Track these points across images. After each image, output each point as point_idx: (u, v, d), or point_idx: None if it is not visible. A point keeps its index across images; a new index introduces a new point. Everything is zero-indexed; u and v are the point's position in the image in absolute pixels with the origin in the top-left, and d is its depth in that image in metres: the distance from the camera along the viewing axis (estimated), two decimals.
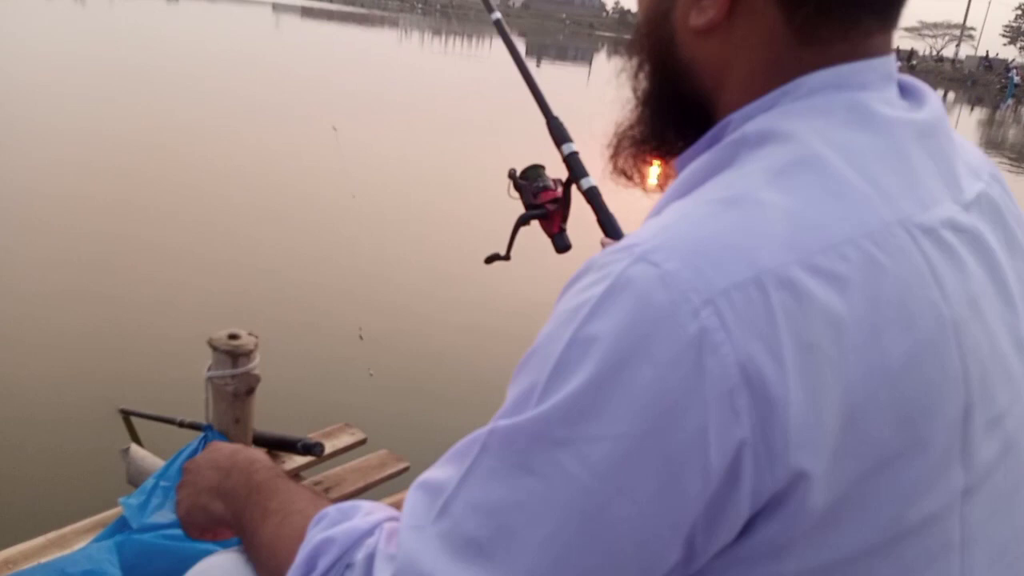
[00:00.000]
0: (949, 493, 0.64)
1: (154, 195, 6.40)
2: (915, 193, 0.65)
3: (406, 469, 2.39)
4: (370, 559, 0.72)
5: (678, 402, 0.58)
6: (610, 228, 1.43)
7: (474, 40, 44.08)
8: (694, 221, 0.65)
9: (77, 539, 1.81)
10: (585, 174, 1.46)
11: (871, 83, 0.70)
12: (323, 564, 0.75)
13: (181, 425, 2.78)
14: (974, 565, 0.67)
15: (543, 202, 1.48)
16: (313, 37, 30.75)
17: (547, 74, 26.19)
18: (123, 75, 12.85)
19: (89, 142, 8.24)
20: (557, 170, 1.55)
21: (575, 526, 0.62)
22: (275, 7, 53.21)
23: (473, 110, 14.64)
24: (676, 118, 0.83)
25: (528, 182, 1.49)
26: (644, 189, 0.93)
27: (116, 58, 15.21)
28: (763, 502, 0.60)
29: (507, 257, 1.59)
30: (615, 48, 57.55)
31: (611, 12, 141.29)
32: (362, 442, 2.52)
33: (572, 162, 1.49)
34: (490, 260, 1.62)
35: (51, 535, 1.81)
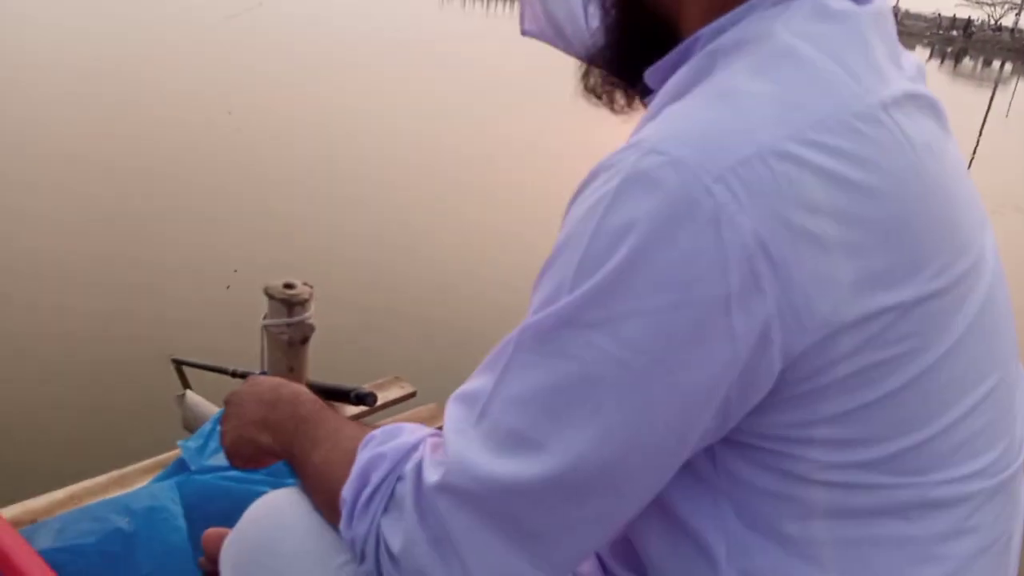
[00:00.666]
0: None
1: (214, 144, 6.44)
2: (878, 72, 0.72)
3: None
4: (418, 468, 0.76)
5: (702, 273, 0.63)
6: None
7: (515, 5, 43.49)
8: (692, 115, 0.70)
9: (138, 478, 1.84)
10: None
11: None
12: (375, 478, 0.78)
13: (234, 375, 2.80)
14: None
15: None
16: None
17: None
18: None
19: (146, 92, 8.34)
20: None
21: (614, 400, 0.66)
22: None
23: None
24: (641, 41, 0.89)
25: None
26: (612, 110, 1.00)
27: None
28: (793, 358, 0.65)
29: None
30: None
31: None
32: (412, 395, 2.53)
33: None
34: None
35: (113, 473, 1.85)
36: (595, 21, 0.99)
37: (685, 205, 0.63)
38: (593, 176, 0.72)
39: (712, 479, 0.74)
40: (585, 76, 0.98)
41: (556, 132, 9.09)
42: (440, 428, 0.83)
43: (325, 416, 0.95)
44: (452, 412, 0.77)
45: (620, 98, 0.99)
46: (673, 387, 0.65)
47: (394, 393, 2.47)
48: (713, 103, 0.70)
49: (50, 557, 1.43)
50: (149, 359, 3.33)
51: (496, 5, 41.92)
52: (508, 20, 32.17)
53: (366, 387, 2.35)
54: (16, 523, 1.57)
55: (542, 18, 1.28)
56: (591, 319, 0.66)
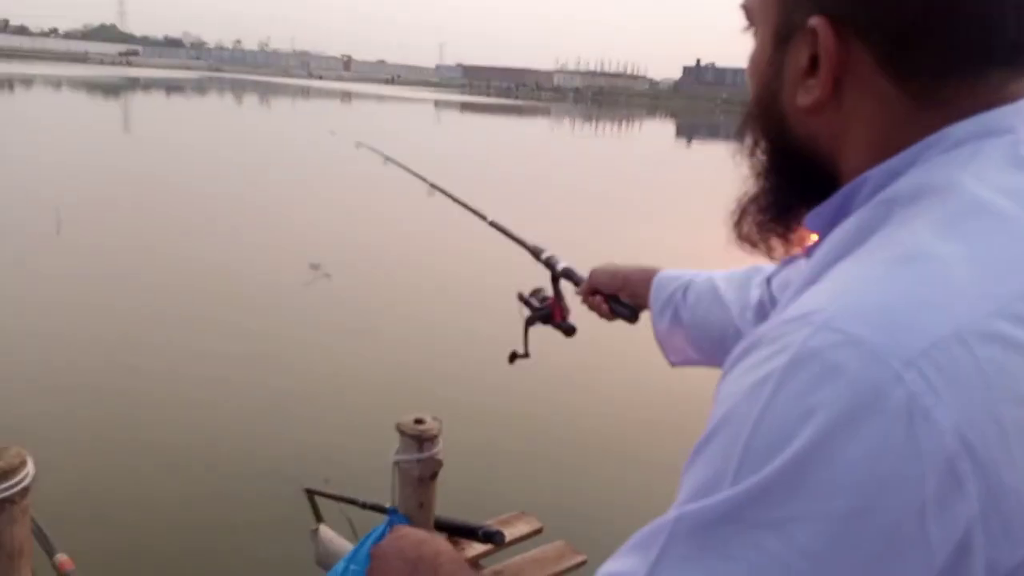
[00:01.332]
0: None
1: (352, 279, 6.75)
2: None
3: (584, 563, 2.33)
4: None
5: (892, 475, 0.54)
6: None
7: (622, 124, 44.80)
8: (871, 283, 0.61)
9: None
10: (558, 262, 1.79)
11: (1018, 126, 0.67)
12: None
13: (364, 506, 2.85)
14: None
15: (543, 306, 1.82)
16: (468, 128, 32.27)
17: (696, 154, 26.08)
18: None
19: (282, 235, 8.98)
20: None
21: None
22: (436, 104, 56.69)
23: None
24: (797, 187, 0.82)
25: (532, 297, 1.86)
26: (770, 258, 0.92)
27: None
28: None
29: (527, 355, 1.91)
30: None
31: None
32: (538, 531, 2.48)
33: (549, 262, 1.82)
34: (512, 359, 1.93)
35: None
36: None
37: (871, 395, 0.55)
38: (753, 347, 0.64)
39: None
40: (738, 224, 0.91)
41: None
42: None
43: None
44: None
45: (778, 245, 0.91)
46: None
47: (521, 529, 2.43)
48: (895, 269, 0.61)
49: None
50: (281, 491, 3.44)
51: (603, 125, 43.27)
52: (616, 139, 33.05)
53: (493, 524, 2.33)
54: None
55: (688, 349, 1.38)
56: (760, 519, 0.59)
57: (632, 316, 1.58)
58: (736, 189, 0.90)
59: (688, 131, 41.59)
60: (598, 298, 1.61)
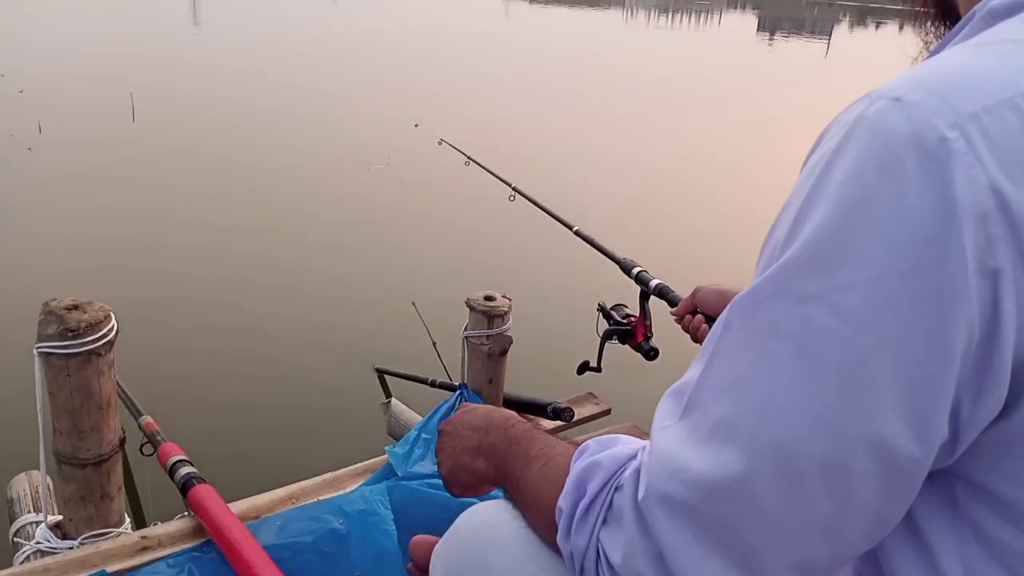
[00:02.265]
0: None
1: (422, 166, 6.70)
2: None
3: None
4: (636, 475, 0.70)
5: (934, 234, 0.54)
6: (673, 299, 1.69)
7: (701, 16, 42.76)
8: (939, 62, 0.61)
9: (349, 481, 1.92)
10: (651, 279, 1.79)
11: None
12: (592, 488, 0.74)
13: (432, 385, 2.90)
14: None
15: (625, 321, 1.81)
16: (542, 20, 31.25)
17: (780, 50, 24.81)
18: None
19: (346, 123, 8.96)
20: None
21: (834, 384, 0.57)
22: None
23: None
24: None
25: (614, 311, 1.85)
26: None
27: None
28: None
29: (598, 368, 1.90)
30: (859, 18, 53.33)
31: None
32: (606, 412, 2.48)
33: (640, 277, 1.82)
34: (581, 370, 1.94)
35: (327, 476, 1.93)
36: None
37: (913, 154, 0.54)
38: (821, 135, 0.64)
39: (957, 515, 0.63)
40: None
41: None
42: None
43: (536, 435, 0.95)
44: (661, 408, 0.71)
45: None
46: (903, 370, 0.55)
47: (588, 410, 2.43)
48: (968, 51, 0.61)
49: (273, 552, 1.52)
50: (355, 368, 3.53)
51: (681, 18, 41.37)
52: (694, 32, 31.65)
53: (562, 402, 2.34)
54: (243, 517, 1.67)
55: None
56: (805, 290, 0.58)
57: None
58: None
59: (771, 24, 39.47)
60: (699, 319, 1.51)
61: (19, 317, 2.07)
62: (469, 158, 2.68)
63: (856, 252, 0.56)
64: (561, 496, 0.77)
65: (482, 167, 2.59)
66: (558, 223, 2.24)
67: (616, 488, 0.73)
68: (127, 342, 1.92)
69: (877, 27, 46.70)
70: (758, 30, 37.51)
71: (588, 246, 2.11)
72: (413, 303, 3.06)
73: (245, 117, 8.66)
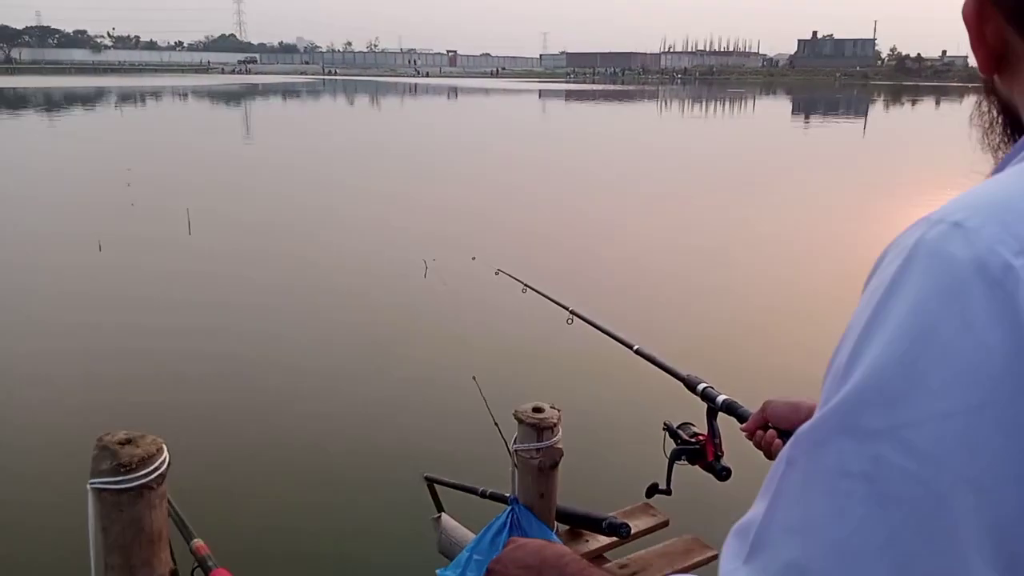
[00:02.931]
0: None
1: (474, 278, 6.76)
2: None
3: (715, 557, 2.22)
4: None
5: (1008, 366, 0.51)
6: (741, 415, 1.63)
7: (735, 104, 43.44)
8: (999, 184, 0.60)
9: None
10: (717, 395, 1.75)
11: None
12: None
13: (483, 496, 2.83)
14: None
15: (693, 440, 1.77)
16: (574, 119, 32.02)
17: (815, 133, 24.97)
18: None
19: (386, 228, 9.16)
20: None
21: (912, 528, 0.53)
22: (541, 94, 56.72)
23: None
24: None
25: (681, 430, 1.80)
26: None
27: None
28: None
29: (668, 491, 1.84)
30: (893, 97, 53.66)
31: (887, 60, 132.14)
32: (664, 524, 2.39)
33: (706, 394, 1.77)
34: (650, 493, 1.87)
35: None
36: None
37: (979, 282, 0.53)
38: (880, 258, 0.62)
39: None
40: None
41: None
42: None
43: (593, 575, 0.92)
44: (728, 548, 0.66)
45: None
46: (987, 511, 0.52)
47: (645, 522, 2.35)
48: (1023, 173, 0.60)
49: None
50: (402, 478, 3.48)
51: (714, 105, 42.03)
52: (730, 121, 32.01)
53: (616, 516, 2.26)
54: None
55: None
56: (873, 426, 0.55)
57: None
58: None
59: (805, 107, 39.90)
60: (771, 434, 1.47)
61: (71, 451, 2.10)
62: (527, 285, 2.68)
63: (925, 385, 0.53)
64: None
65: (539, 293, 2.59)
66: (618, 343, 2.17)
67: None
68: (179, 464, 1.92)
69: (913, 104, 46.93)
70: (793, 113, 37.93)
71: (651, 365, 2.06)
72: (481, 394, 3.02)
73: (292, 241, 8.85)
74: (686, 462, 1.79)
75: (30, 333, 5.61)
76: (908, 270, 0.56)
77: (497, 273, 2.95)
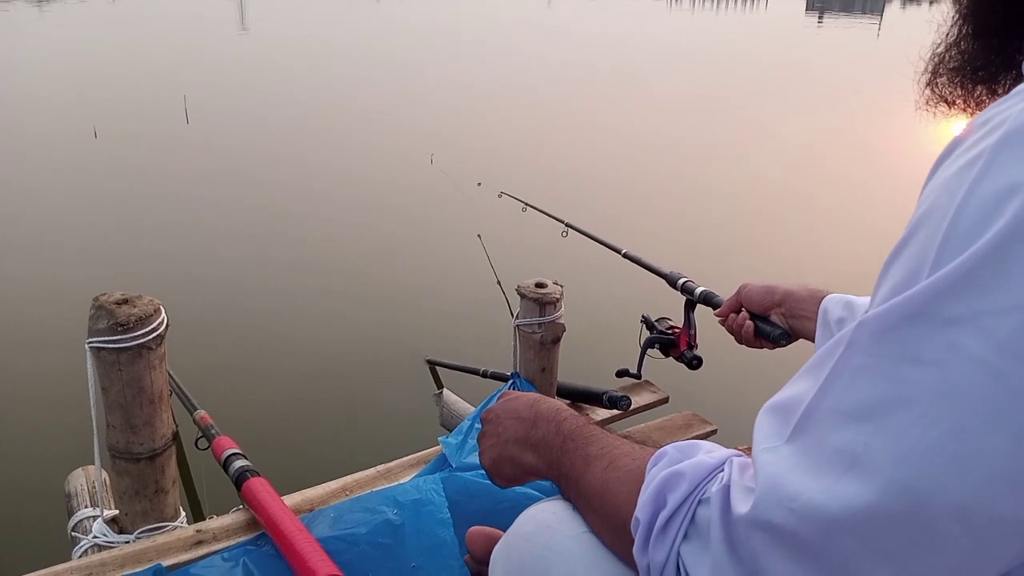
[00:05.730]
0: None
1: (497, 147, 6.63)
2: None
3: (714, 431, 2.24)
4: (725, 491, 0.65)
5: None
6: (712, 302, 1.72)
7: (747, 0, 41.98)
8: None
9: (403, 472, 1.88)
10: (696, 288, 1.82)
11: None
12: (673, 499, 0.69)
13: (484, 375, 2.86)
14: None
15: (668, 331, 1.87)
16: (576, 10, 30.98)
17: (829, 33, 24.19)
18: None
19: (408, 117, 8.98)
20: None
21: (983, 419, 0.50)
22: None
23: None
24: (1011, 22, 0.72)
25: (657, 323, 1.91)
26: (970, 113, 0.81)
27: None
28: None
29: (638, 375, 1.98)
30: None
31: None
32: (664, 400, 2.40)
33: (686, 287, 1.84)
34: (620, 374, 2.03)
35: (380, 467, 1.91)
36: None
37: None
38: (966, 134, 0.56)
39: None
40: (931, 82, 0.82)
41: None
42: (742, 449, 0.73)
43: (593, 432, 0.90)
44: (763, 426, 0.64)
45: (983, 95, 0.80)
46: None
47: (646, 398, 2.36)
48: None
49: (327, 544, 1.49)
50: (406, 360, 3.51)
51: (726, 4, 40.57)
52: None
53: (617, 391, 2.27)
54: (297, 510, 1.65)
55: None
56: (955, 313, 0.51)
57: (784, 338, 1.38)
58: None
59: (820, 4, 38.53)
60: (742, 316, 1.44)
61: (71, 313, 2.09)
62: (527, 204, 2.86)
63: (1019, 273, 0.48)
64: (638, 506, 0.73)
65: (538, 210, 2.78)
66: (608, 249, 2.32)
67: (699, 502, 0.68)
68: (181, 337, 1.92)
69: (931, 4, 45.27)
70: (807, 10, 36.67)
71: (641, 268, 2.16)
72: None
73: (293, 131, 8.68)
74: (659, 351, 1.88)
75: (29, 205, 5.58)
76: (1007, 149, 0.51)
77: (500, 196, 3.05)
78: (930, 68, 0.81)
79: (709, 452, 0.74)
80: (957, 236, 0.51)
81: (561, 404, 1.00)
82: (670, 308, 2.05)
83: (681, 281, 1.89)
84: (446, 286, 4.39)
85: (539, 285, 2.17)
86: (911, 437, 0.52)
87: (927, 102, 0.83)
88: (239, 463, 1.77)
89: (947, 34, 0.80)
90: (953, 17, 0.78)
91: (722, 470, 0.69)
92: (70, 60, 13.19)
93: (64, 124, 8.31)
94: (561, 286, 2.21)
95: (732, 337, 1.54)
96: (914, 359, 0.52)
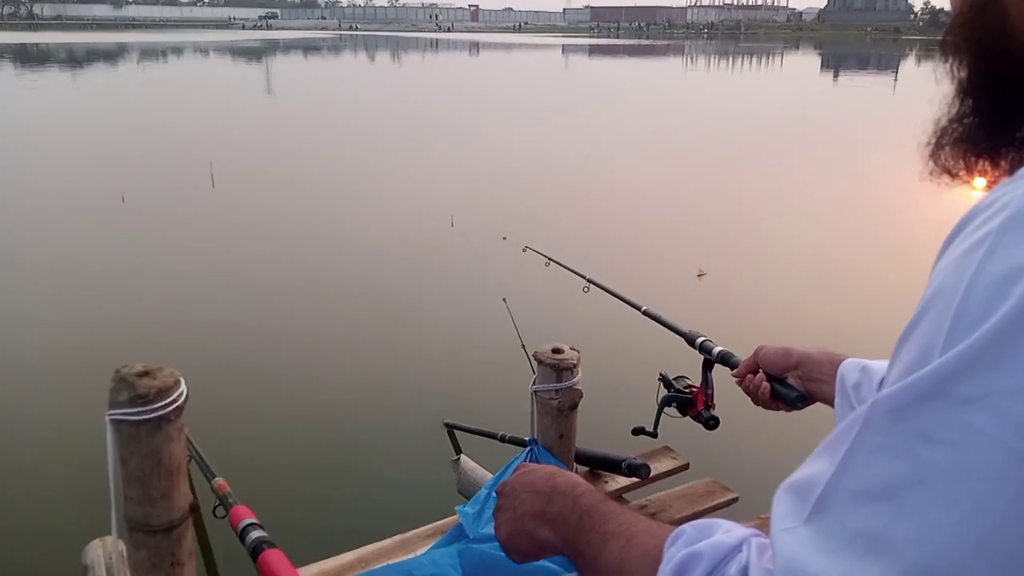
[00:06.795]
0: None
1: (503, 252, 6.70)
2: None
3: (735, 500, 2.20)
4: (744, 573, 0.64)
5: None
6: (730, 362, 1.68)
7: (762, 59, 42.55)
8: None
9: (420, 543, 1.86)
10: (714, 347, 1.82)
11: None
12: None
13: (502, 440, 2.84)
14: None
15: (686, 390, 1.84)
16: (598, 72, 31.56)
17: (844, 90, 24.44)
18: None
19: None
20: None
21: (1003, 498, 0.50)
22: (564, 49, 55.88)
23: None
24: (1011, 101, 0.73)
25: (675, 381, 1.88)
26: (971, 185, 0.83)
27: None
28: None
29: (654, 434, 1.92)
30: (926, 51, 52.29)
31: (920, 14, 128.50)
32: (684, 467, 2.37)
33: (704, 346, 1.83)
34: (636, 433, 1.97)
35: (397, 537, 1.89)
36: None
37: None
38: (970, 217, 0.58)
39: None
40: (935, 153, 0.85)
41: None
42: (763, 518, 0.72)
43: (611, 508, 0.88)
44: (781, 506, 0.64)
45: (985, 172, 0.83)
46: None
47: (665, 465, 2.33)
48: None
49: None
50: (424, 423, 3.50)
51: (742, 61, 41.16)
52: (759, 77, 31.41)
53: (637, 458, 2.24)
54: None
55: None
56: (968, 393, 0.51)
57: (800, 401, 1.37)
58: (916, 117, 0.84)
59: (835, 63, 39.01)
60: (759, 377, 1.44)
61: (93, 381, 2.11)
62: (549, 259, 2.86)
63: None
64: None
65: (561, 265, 2.78)
66: (628, 305, 2.30)
67: None
68: (200, 404, 1.93)
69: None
70: (822, 68, 37.11)
71: (659, 325, 2.15)
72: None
73: (315, 194, 8.83)
74: (676, 410, 1.86)
75: (52, 272, 5.69)
76: (1011, 232, 0.52)
77: (525, 250, 3.08)
78: (933, 141, 0.82)
79: (728, 531, 0.73)
80: (967, 316, 0.52)
81: (578, 478, 1.00)
82: (688, 366, 2.04)
83: (699, 340, 1.90)
84: (465, 348, 4.40)
85: (556, 351, 2.17)
86: (931, 518, 0.52)
87: (931, 172, 0.85)
88: (255, 534, 1.76)
89: (948, 108, 0.82)
90: (954, 93, 0.80)
91: (741, 551, 0.68)
92: (101, 124, 13.60)
93: (93, 187, 8.53)
94: (578, 351, 2.20)
95: (749, 398, 1.53)
96: (929, 438, 0.53)
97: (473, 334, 4.55)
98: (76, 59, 33.93)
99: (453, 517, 1.95)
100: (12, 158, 10.41)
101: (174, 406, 1.61)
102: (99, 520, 1.85)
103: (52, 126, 13.49)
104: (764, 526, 0.72)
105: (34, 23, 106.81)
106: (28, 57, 34.83)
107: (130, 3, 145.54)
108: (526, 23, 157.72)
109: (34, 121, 14.33)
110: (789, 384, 1.41)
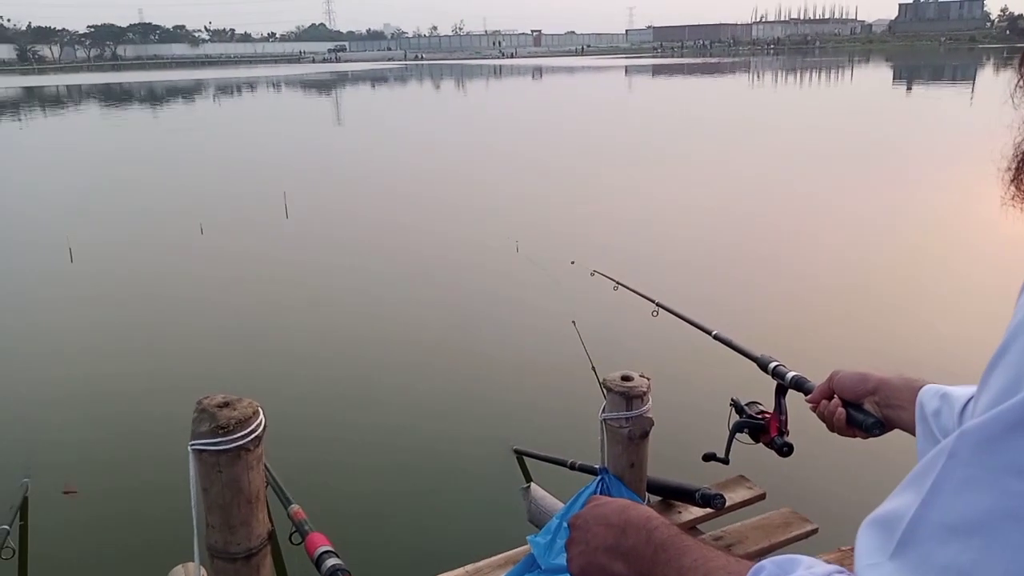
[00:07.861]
0: None
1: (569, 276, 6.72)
2: None
3: (814, 531, 2.13)
4: None
5: None
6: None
7: (831, 72, 41.70)
8: None
9: (491, 573, 1.87)
10: (787, 372, 1.76)
11: None
12: None
13: (572, 467, 2.82)
14: None
15: (759, 416, 1.79)
16: (661, 92, 31.39)
17: (918, 101, 23.71)
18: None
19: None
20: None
21: None
22: (627, 70, 55.89)
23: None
24: None
25: (747, 407, 1.82)
26: None
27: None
28: None
29: (725, 460, 1.88)
30: (1005, 59, 50.42)
31: (997, 21, 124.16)
32: (760, 497, 2.31)
33: (777, 371, 1.79)
34: (707, 458, 1.92)
35: (469, 567, 1.89)
36: None
37: None
38: None
39: None
40: (1017, 179, 0.82)
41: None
42: (844, 551, 0.70)
43: (686, 543, 0.88)
44: (865, 540, 0.63)
45: None
46: None
47: (741, 494, 2.27)
48: None
49: None
50: (494, 450, 3.50)
51: (811, 75, 40.41)
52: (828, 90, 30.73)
53: (711, 488, 2.20)
54: None
55: None
56: None
57: (877, 427, 1.33)
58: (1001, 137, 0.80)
59: (908, 74, 37.94)
60: (834, 403, 1.41)
61: (179, 411, 2.19)
62: (618, 283, 2.84)
63: None
64: None
65: (629, 289, 2.75)
66: (698, 329, 2.24)
67: None
68: (276, 432, 1.97)
69: None
70: (894, 80, 36.15)
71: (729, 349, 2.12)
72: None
73: (382, 224, 8.97)
74: (748, 436, 1.82)
75: (138, 303, 5.93)
76: None
77: (593, 274, 3.06)
78: (1013, 165, 0.80)
79: (809, 568, 0.71)
80: None
81: (652, 512, 0.99)
82: (760, 392, 1.99)
83: (772, 365, 1.85)
84: (533, 372, 4.40)
85: (625, 378, 2.15)
86: (1019, 552, 0.50)
87: (1012, 198, 0.82)
88: (331, 561, 1.79)
89: None
90: None
91: None
92: (180, 159, 14.17)
93: (174, 219, 8.88)
94: (648, 378, 2.18)
95: (824, 424, 1.49)
96: (1019, 471, 0.51)
97: (540, 358, 4.55)
98: (156, 96, 35.54)
99: (524, 547, 1.94)
100: (93, 194, 10.93)
101: (253, 436, 1.66)
102: (180, 543, 1.91)
103: (134, 161, 14.12)
104: (845, 559, 0.69)
105: (118, 63, 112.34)
106: (112, 96, 36.63)
107: (206, 41, 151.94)
108: (588, 46, 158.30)
109: (119, 155, 15.04)
110: (866, 410, 1.37)
